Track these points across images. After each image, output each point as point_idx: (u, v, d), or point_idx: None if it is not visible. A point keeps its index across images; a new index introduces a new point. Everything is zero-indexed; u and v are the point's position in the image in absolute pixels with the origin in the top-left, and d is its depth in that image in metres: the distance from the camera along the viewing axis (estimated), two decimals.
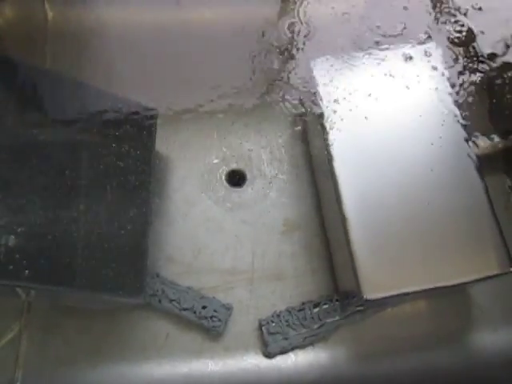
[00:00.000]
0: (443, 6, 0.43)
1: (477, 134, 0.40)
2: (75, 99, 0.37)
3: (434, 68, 0.39)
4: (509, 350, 0.38)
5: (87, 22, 0.45)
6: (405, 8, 0.42)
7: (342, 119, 0.37)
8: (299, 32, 0.44)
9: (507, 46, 0.41)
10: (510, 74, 0.42)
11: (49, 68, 0.43)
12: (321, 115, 0.37)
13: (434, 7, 0.42)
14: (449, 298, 0.39)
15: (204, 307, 0.37)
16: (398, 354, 0.38)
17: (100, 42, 0.45)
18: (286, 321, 0.38)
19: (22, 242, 0.30)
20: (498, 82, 0.42)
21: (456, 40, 0.42)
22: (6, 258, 0.29)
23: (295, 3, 0.45)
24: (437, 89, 0.38)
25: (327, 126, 0.36)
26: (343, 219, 0.34)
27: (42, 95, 0.36)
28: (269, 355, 0.38)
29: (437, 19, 0.42)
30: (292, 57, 0.43)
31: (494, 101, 0.44)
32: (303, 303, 0.38)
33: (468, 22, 0.42)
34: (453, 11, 0.43)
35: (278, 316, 0.38)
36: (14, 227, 0.30)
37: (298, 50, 0.43)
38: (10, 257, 0.30)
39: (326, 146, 0.36)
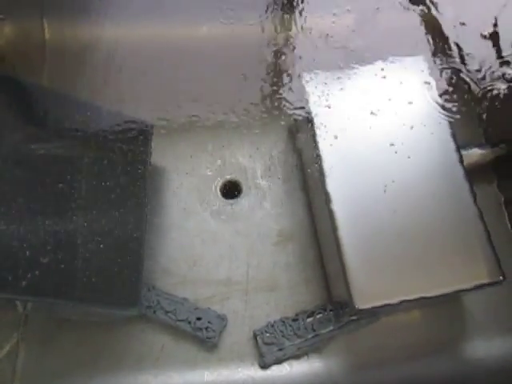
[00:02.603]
0: (431, 21, 0.44)
1: (467, 144, 0.41)
2: (72, 115, 0.38)
3: (423, 81, 0.39)
4: (502, 359, 0.38)
5: (84, 40, 0.46)
6: (393, 23, 0.44)
7: (332, 133, 0.38)
8: (292, 47, 0.45)
9: (494, 57, 0.42)
10: (498, 84, 0.43)
11: (47, 85, 0.44)
12: (312, 128, 0.38)
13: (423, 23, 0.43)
14: (442, 307, 0.40)
15: (199, 318, 0.38)
16: (392, 363, 0.39)
17: (96, 59, 0.46)
18: (281, 331, 0.38)
19: (19, 255, 0.31)
20: (488, 92, 0.43)
21: (444, 53, 0.43)
22: (2, 270, 0.30)
23: (288, 19, 0.46)
24: (426, 101, 0.39)
25: (318, 139, 0.37)
26: (334, 230, 0.35)
27: (40, 111, 0.37)
28: (264, 366, 0.38)
29: (425, 35, 0.43)
30: (285, 71, 0.44)
31: (484, 111, 0.44)
32: (297, 313, 0.39)
33: (455, 36, 0.43)
34: (442, 28, 0.44)
35: (273, 326, 0.38)
36: (10, 240, 0.31)
37: (290, 64, 0.44)
38: (5, 269, 0.30)
39: (317, 159, 0.37)
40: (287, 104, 0.43)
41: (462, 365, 0.38)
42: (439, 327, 0.39)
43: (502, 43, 0.42)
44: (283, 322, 0.38)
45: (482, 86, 0.42)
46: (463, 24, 0.43)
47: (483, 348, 0.39)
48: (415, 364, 0.39)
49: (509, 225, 0.43)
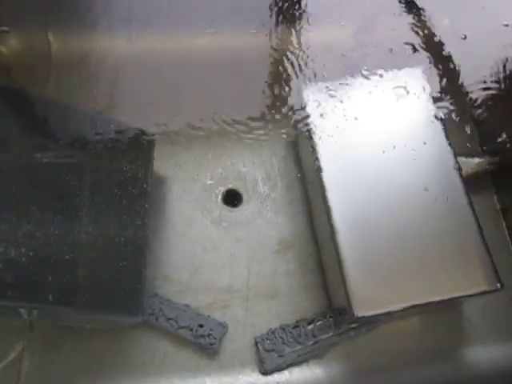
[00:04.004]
0: (427, 32, 0.44)
1: (464, 153, 0.41)
2: (76, 125, 0.39)
3: (421, 91, 0.40)
4: (500, 365, 0.39)
5: (88, 52, 0.47)
6: (392, 35, 0.44)
7: (331, 142, 0.38)
8: (292, 58, 0.45)
9: (491, 72, 0.43)
10: (495, 93, 0.43)
11: (51, 96, 0.45)
12: (311, 137, 0.39)
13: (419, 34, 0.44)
14: (441, 314, 0.40)
15: (200, 325, 0.38)
16: (391, 369, 0.39)
17: (100, 70, 0.47)
18: (281, 338, 0.39)
19: (23, 263, 0.31)
20: (484, 101, 0.44)
21: (441, 63, 0.44)
22: (7, 278, 0.31)
23: (288, 31, 0.47)
24: (424, 111, 0.39)
25: (318, 148, 0.38)
26: (334, 237, 0.35)
27: (44, 122, 0.38)
28: (264, 372, 0.38)
29: (422, 46, 0.44)
30: (285, 82, 0.45)
31: (481, 120, 0.45)
32: (297, 320, 0.39)
33: (451, 46, 0.44)
34: (438, 38, 0.44)
35: (273, 333, 0.39)
36: (15, 248, 0.32)
37: (290, 75, 0.45)
38: (10, 278, 0.31)
39: (317, 168, 0.37)
40: (287, 114, 0.43)
41: (460, 371, 0.39)
42: (438, 334, 0.40)
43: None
44: (283, 328, 0.39)
45: (478, 95, 0.43)
46: (459, 33, 0.44)
47: (482, 355, 0.39)
48: (414, 370, 0.39)
49: (506, 233, 0.43)
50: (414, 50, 0.44)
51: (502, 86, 0.43)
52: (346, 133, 0.39)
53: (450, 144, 0.38)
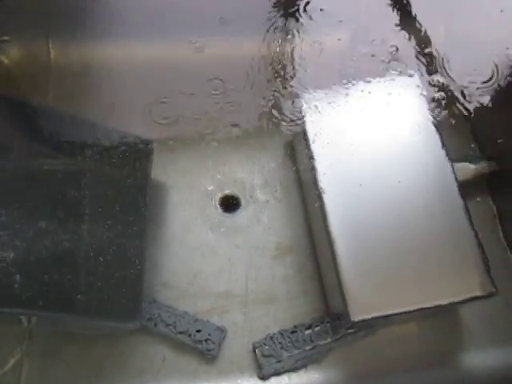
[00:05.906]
0: (422, 40, 0.45)
1: (461, 158, 0.41)
2: (76, 133, 0.39)
3: (417, 98, 0.41)
4: (497, 370, 0.39)
5: (88, 61, 0.48)
6: (388, 43, 0.45)
7: (328, 149, 0.39)
8: (289, 66, 0.46)
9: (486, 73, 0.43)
10: (492, 99, 0.44)
11: (52, 104, 0.46)
12: (308, 144, 0.39)
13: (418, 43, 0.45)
14: (438, 319, 0.40)
15: (199, 331, 0.38)
16: (389, 374, 0.39)
17: (100, 79, 0.47)
18: (279, 343, 0.39)
19: (23, 269, 0.32)
20: (481, 107, 0.44)
21: (436, 71, 0.44)
22: (6, 285, 0.31)
23: (285, 39, 0.47)
24: (420, 118, 0.40)
25: (314, 155, 0.38)
26: (331, 243, 0.36)
27: (45, 130, 0.39)
28: (263, 377, 0.38)
29: (420, 53, 0.45)
30: (282, 89, 0.45)
31: (477, 125, 0.45)
32: (296, 325, 0.39)
33: (446, 53, 0.44)
34: (434, 45, 0.45)
35: (272, 338, 0.39)
36: (15, 256, 0.32)
37: (288, 82, 0.45)
38: (10, 284, 0.31)
39: (313, 174, 0.38)
40: (284, 120, 0.44)
41: (458, 376, 0.39)
42: (435, 339, 0.40)
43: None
44: (282, 334, 0.39)
45: (474, 102, 0.43)
46: (455, 40, 0.44)
47: (479, 359, 0.39)
48: (412, 375, 0.39)
49: (502, 238, 0.43)
50: (410, 57, 0.45)
51: (499, 90, 0.43)
52: (343, 139, 0.39)
53: (446, 150, 0.38)
